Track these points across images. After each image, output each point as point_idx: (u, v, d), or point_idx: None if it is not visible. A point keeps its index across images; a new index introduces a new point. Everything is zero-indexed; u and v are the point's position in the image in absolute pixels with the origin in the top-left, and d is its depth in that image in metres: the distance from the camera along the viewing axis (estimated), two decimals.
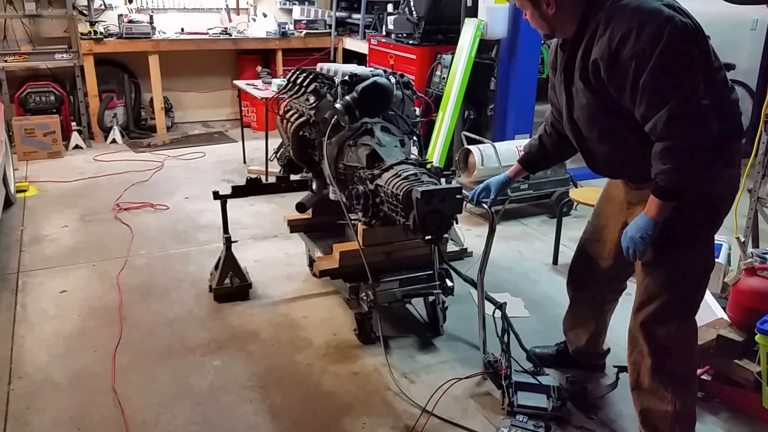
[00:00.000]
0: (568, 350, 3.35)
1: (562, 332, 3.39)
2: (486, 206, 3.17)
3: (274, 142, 4.89)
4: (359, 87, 3.36)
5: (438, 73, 6.48)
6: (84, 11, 7.88)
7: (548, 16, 2.49)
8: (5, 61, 7.40)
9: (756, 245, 4.13)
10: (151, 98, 8.32)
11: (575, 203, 4.99)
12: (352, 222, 3.49)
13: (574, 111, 2.59)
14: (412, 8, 6.70)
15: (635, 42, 2.22)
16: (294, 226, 4.24)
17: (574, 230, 4.51)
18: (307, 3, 9.23)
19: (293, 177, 4.30)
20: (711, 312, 3.51)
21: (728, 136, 2.41)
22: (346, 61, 8.67)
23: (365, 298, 3.50)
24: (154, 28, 8.06)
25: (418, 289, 3.64)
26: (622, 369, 3.17)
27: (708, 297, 3.64)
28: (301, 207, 4.01)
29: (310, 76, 3.83)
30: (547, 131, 3.01)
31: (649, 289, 2.58)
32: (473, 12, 5.98)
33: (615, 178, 2.84)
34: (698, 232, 2.51)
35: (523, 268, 4.67)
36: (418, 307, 3.94)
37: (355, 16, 8.83)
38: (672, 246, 2.50)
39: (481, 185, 3.17)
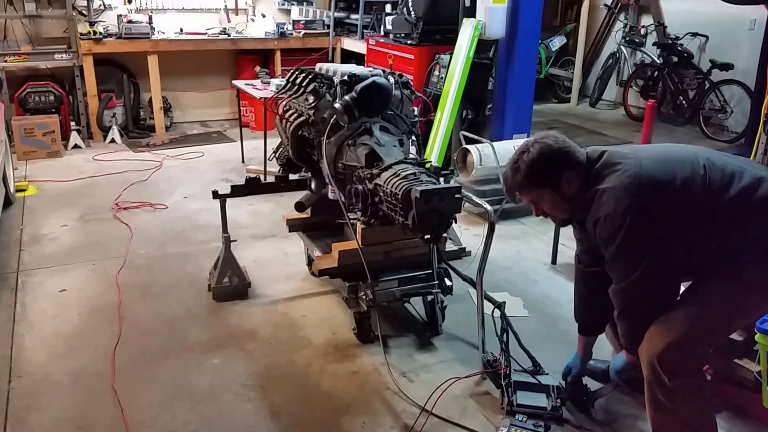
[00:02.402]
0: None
1: (561, 331, 3.40)
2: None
3: (273, 141, 4.90)
4: (358, 87, 3.37)
5: (436, 72, 6.49)
6: (83, 11, 7.87)
7: (569, 195, 2.63)
8: (5, 61, 7.39)
9: None
10: (150, 98, 8.31)
11: None
12: (351, 221, 3.49)
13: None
14: (411, 8, 6.71)
15: (602, 228, 2.52)
16: (293, 226, 4.25)
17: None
18: (305, 3, 9.24)
19: (292, 176, 4.30)
20: None
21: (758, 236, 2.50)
22: (344, 61, 8.67)
23: (364, 297, 3.50)
24: (153, 29, 8.06)
25: (417, 289, 3.65)
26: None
27: None
28: (300, 206, 4.02)
29: (309, 76, 3.84)
30: (585, 292, 3.00)
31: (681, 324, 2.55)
32: (471, 12, 5.98)
33: None
34: (752, 292, 2.56)
35: (521, 267, 4.68)
36: (417, 306, 3.95)
37: (353, 16, 8.83)
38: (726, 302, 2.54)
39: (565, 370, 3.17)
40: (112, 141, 7.87)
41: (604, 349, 3.22)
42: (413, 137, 3.74)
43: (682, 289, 2.63)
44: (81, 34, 7.65)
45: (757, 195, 2.46)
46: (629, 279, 2.50)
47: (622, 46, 9.89)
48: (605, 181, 2.53)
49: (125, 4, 8.29)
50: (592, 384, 3.14)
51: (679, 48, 8.84)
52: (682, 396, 2.51)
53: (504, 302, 3.28)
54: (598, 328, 3.07)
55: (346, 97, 3.35)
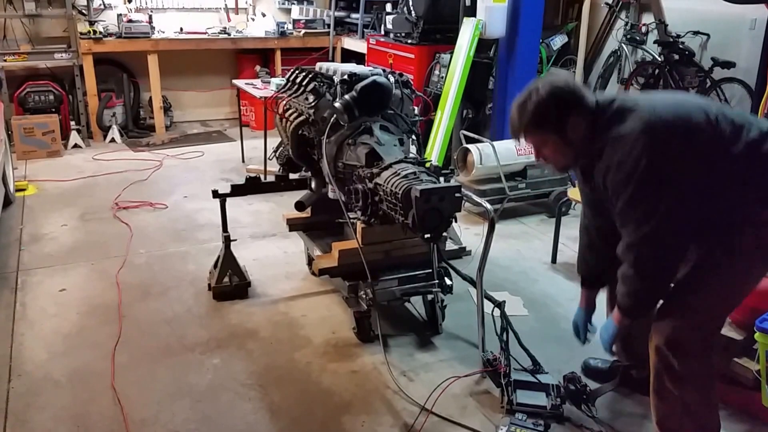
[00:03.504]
0: (625, 369, 3.23)
1: (561, 331, 3.40)
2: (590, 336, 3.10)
3: (273, 141, 4.90)
4: (358, 86, 3.36)
5: (436, 72, 6.48)
6: (83, 11, 7.87)
7: (574, 140, 2.55)
8: (5, 60, 7.39)
9: None
10: (150, 97, 8.31)
11: (573, 202, 4.99)
12: (351, 221, 3.49)
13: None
14: (411, 8, 6.71)
15: (614, 176, 2.42)
16: (293, 225, 4.24)
17: (572, 229, 4.50)
18: (305, 2, 9.23)
19: (292, 176, 4.30)
20: None
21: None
22: (344, 60, 8.66)
23: (364, 296, 3.50)
24: (153, 28, 8.06)
25: (417, 288, 3.65)
26: (623, 367, 3.18)
27: None
28: (300, 206, 4.01)
29: (310, 76, 3.84)
30: (588, 243, 2.98)
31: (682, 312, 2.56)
32: (472, 11, 5.98)
33: None
34: (753, 270, 2.55)
35: (521, 266, 4.68)
36: (417, 305, 3.94)
37: (353, 15, 8.82)
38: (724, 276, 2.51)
39: (574, 326, 3.11)
40: (112, 140, 7.87)
41: (602, 350, 3.21)
42: (413, 136, 3.74)
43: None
44: (81, 33, 7.65)
45: (765, 148, 2.44)
46: (641, 232, 2.40)
47: (623, 45, 9.85)
48: (618, 127, 2.44)
49: (125, 4, 8.28)
50: (591, 383, 3.15)
51: (680, 46, 8.83)
52: (690, 382, 2.53)
53: (504, 301, 3.28)
54: (599, 281, 3.05)
55: (347, 97, 3.35)
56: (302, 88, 3.83)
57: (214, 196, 4.03)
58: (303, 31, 8.84)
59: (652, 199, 2.36)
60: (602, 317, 3.02)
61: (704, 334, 2.55)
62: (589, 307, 3.07)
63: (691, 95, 2.74)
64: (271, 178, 4.46)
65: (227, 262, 4.12)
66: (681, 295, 2.54)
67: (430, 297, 3.74)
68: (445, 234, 3.44)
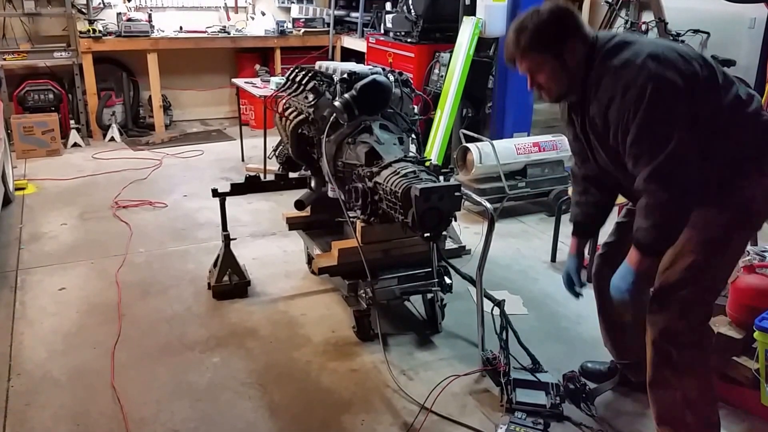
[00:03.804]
0: (621, 369, 3.22)
1: (559, 329, 3.40)
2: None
3: (273, 140, 4.90)
4: (358, 85, 3.36)
5: (436, 71, 6.48)
6: (83, 10, 7.87)
7: (570, 66, 2.47)
8: (4, 59, 7.39)
9: (754, 243, 4.13)
10: (150, 96, 8.31)
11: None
12: (351, 219, 3.49)
13: (599, 160, 2.63)
14: (411, 6, 6.70)
15: (620, 104, 2.32)
16: (292, 224, 4.24)
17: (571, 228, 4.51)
18: (305, 1, 9.23)
19: (292, 175, 4.31)
20: None
21: (761, 149, 2.45)
22: (344, 59, 8.66)
23: (364, 295, 3.51)
24: (152, 27, 8.06)
25: (416, 287, 3.65)
26: (623, 365, 3.18)
27: None
28: (299, 204, 4.01)
29: (309, 74, 3.84)
30: (582, 190, 2.91)
31: (672, 274, 2.54)
32: (471, 10, 5.98)
33: None
34: (731, 232, 2.51)
35: (521, 265, 4.68)
36: (416, 304, 3.95)
37: (353, 14, 8.82)
38: (704, 239, 2.48)
39: (566, 277, 2.98)
40: (112, 139, 7.87)
41: (602, 349, 3.23)
42: (413, 135, 3.74)
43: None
44: (80, 32, 7.65)
45: (750, 109, 2.45)
46: (658, 159, 2.28)
47: None
48: (620, 55, 2.37)
49: (124, 2, 8.28)
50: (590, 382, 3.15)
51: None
52: (688, 371, 2.53)
53: (503, 300, 3.28)
54: (591, 231, 3.00)
55: (346, 95, 3.35)
56: (302, 87, 3.83)
57: (214, 195, 4.03)
58: (302, 29, 8.84)
59: (665, 123, 2.28)
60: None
61: (697, 321, 2.56)
62: (578, 255, 2.97)
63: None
64: (270, 177, 4.46)
65: (227, 261, 4.12)
66: (672, 289, 2.53)
67: (429, 296, 3.74)
68: (444, 233, 3.44)
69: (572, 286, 2.96)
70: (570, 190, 3.02)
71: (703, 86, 2.36)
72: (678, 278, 2.51)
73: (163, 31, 8.25)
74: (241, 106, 7.95)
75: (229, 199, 4.08)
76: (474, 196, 3.52)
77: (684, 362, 2.53)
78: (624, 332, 3.09)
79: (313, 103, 3.62)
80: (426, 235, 2.93)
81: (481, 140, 5.47)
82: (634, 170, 2.38)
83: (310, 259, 4.34)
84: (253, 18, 8.88)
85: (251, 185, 4.15)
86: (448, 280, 3.66)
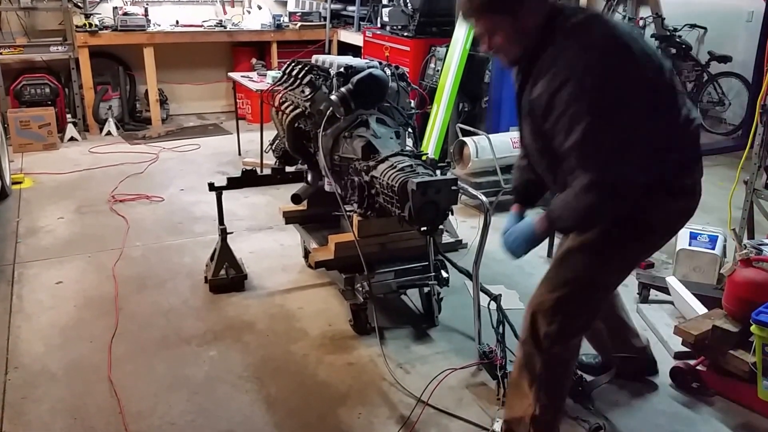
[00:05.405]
0: (617, 362, 3.24)
1: None
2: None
3: (269, 134, 4.89)
4: (354, 79, 3.37)
5: (432, 65, 6.48)
6: (79, 4, 7.86)
7: (527, 28, 2.31)
8: (0, 53, 7.37)
9: (751, 237, 4.15)
10: (146, 90, 8.29)
11: None
12: (348, 213, 3.50)
13: (525, 139, 2.56)
14: (407, 0, 6.70)
15: (572, 93, 2.15)
16: (289, 218, 4.25)
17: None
18: None
19: (288, 168, 4.30)
20: (692, 310, 3.53)
21: (677, 169, 2.38)
22: (341, 53, 8.66)
23: (360, 289, 3.51)
24: (148, 21, 8.05)
25: (413, 281, 3.66)
26: (622, 359, 3.19)
27: (688, 295, 3.66)
28: (296, 198, 4.02)
29: (306, 68, 3.83)
30: (524, 154, 2.80)
31: (552, 281, 2.52)
32: None
33: None
34: (624, 251, 2.49)
35: (517, 260, 4.66)
36: (413, 298, 3.95)
37: (350, 8, 8.81)
38: (591, 251, 2.44)
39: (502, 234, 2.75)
40: (108, 133, 7.87)
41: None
42: (410, 129, 3.74)
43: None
44: (76, 26, 7.63)
45: (692, 127, 2.39)
46: (604, 171, 2.17)
47: None
48: (582, 38, 2.23)
49: None
50: (587, 374, 3.16)
51: (677, 40, 8.82)
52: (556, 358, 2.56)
53: (500, 294, 3.29)
54: (530, 200, 2.87)
55: (343, 89, 3.35)
56: (298, 81, 3.83)
57: (211, 189, 4.03)
58: (299, 23, 8.83)
59: (621, 125, 2.15)
60: None
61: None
62: (519, 216, 2.80)
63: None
64: (267, 171, 4.46)
65: (224, 255, 4.12)
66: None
67: (426, 290, 3.75)
68: (441, 227, 3.44)
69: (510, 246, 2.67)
70: None
71: (663, 92, 2.30)
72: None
73: (159, 26, 8.23)
74: (237, 100, 7.94)
75: (225, 193, 4.08)
76: (471, 189, 3.52)
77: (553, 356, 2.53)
78: (599, 336, 3.15)
79: (309, 97, 3.62)
80: (423, 229, 2.93)
81: (477, 134, 5.47)
82: (568, 165, 2.25)
83: (306, 253, 4.34)
84: (249, 12, 8.88)
85: (248, 179, 4.15)
86: (444, 274, 3.66)
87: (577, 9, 2.40)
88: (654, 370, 3.29)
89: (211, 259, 4.19)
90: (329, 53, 8.64)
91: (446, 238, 3.85)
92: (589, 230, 2.42)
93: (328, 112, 3.43)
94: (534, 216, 2.56)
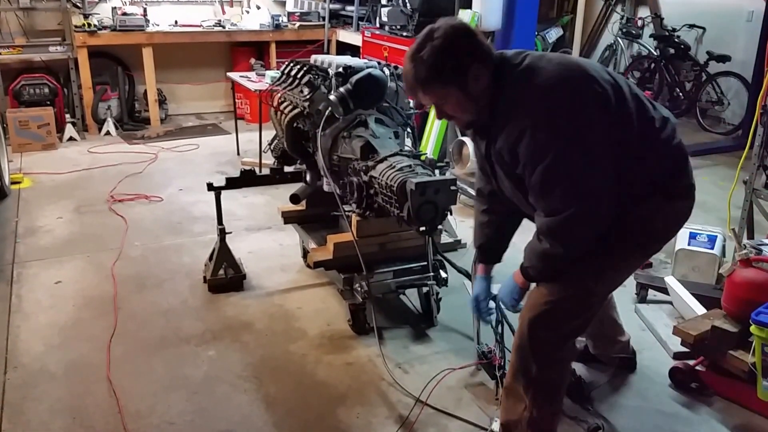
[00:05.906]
0: (619, 362, 3.29)
1: None
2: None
3: (268, 134, 4.89)
4: (353, 79, 3.36)
5: None
6: (78, 4, 7.85)
7: (477, 93, 2.26)
8: None
9: (751, 237, 4.15)
10: (145, 90, 8.29)
11: None
12: (347, 213, 3.50)
13: (502, 187, 2.53)
14: (406, 0, 6.70)
15: (530, 141, 2.16)
16: (288, 218, 4.25)
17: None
18: None
19: (287, 169, 4.31)
20: (691, 310, 3.53)
21: (669, 173, 2.38)
22: (339, 53, 8.65)
23: (359, 289, 3.51)
24: (147, 21, 8.04)
25: (412, 280, 3.66)
26: (620, 359, 3.20)
27: (687, 296, 3.66)
28: (295, 198, 4.02)
29: (305, 68, 3.84)
30: (486, 209, 2.79)
31: (549, 286, 2.52)
32: (467, 4, 5.97)
33: None
34: (624, 262, 2.51)
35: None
36: (412, 298, 3.95)
37: (348, 8, 8.80)
38: (590, 260, 2.41)
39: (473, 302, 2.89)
40: (107, 133, 7.86)
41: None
42: (408, 129, 3.74)
43: None
44: (75, 26, 7.62)
45: (663, 135, 2.35)
46: (560, 215, 2.20)
47: (618, 38, 9.86)
48: (530, 85, 2.20)
49: None
50: (585, 375, 3.16)
51: (676, 40, 8.83)
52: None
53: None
54: (496, 256, 2.89)
55: (342, 89, 3.35)
56: (297, 81, 3.83)
57: (209, 189, 4.03)
58: (298, 23, 8.83)
59: (579, 167, 2.16)
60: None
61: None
62: (487, 274, 2.88)
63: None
64: (266, 171, 4.46)
65: (222, 255, 4.12)
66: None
67: (425, 289, 3.75)
68: (440, 227, 3.44)
69: (481, 312, 2.87)
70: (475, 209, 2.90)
71: (616, 113, 2.24)
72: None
73: (158, 26, 8.23)
74: (236, 100, 7.93)
75: (224, 193, 4.08)
76: (469, 189, 3.53)
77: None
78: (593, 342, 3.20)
79: (308, 97, 3.62)
80: (421, 229, 2.94)
81: None
82: (535, 206, 2.30)
83: (305, 253, 4.34)
84: (248, 12, 8.87)
85: (246, 179, 4.15)
86: (443, 274, 3.66)
87: (518, 52, 2.33)
88: (633, 366, 3.33)
89: (210, 258, 4.19)
90: (328, 53, 8.63)
91: (445, 238, 3.85)
92: (558, 278, 2.44)
93: (327, 112, 3.43)
94: (514, 271, 2.67)
